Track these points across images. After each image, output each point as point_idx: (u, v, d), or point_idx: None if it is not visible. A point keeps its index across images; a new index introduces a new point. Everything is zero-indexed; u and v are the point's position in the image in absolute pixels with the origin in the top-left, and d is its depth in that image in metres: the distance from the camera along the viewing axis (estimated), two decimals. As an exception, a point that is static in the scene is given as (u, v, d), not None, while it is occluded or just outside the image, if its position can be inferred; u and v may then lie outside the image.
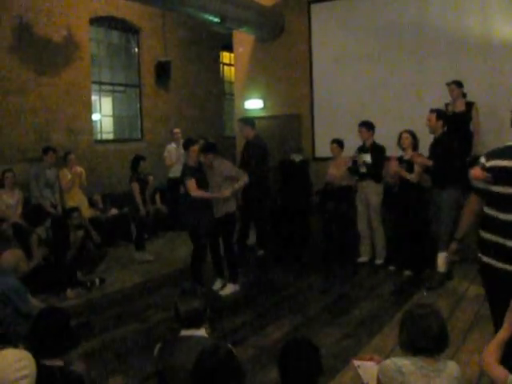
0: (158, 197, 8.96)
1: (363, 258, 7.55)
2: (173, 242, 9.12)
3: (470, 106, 7.27)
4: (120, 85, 11.24)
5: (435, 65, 8.17)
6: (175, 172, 8.81)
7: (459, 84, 7.28)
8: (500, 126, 7.56)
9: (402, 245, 6.89)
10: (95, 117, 10.59)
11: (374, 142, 7.32)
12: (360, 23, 8.89)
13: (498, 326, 2.80)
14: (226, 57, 14.24)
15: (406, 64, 8.46)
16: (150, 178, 8.25)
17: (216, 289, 6.53)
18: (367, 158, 7.21)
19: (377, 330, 5.03)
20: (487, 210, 3.35)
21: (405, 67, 8.49)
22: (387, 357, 2.96)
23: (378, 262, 7.37)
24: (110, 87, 11.07)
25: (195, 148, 6.28)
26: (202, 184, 6.21)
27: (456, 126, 6.85)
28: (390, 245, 7.32)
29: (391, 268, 7.06)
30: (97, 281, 6.73)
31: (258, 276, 7.35)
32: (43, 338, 2.66)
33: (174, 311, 2.98)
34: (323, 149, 8.65)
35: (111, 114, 11.22)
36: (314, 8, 9.42)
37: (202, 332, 2.92)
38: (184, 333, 2.93)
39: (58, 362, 2.66)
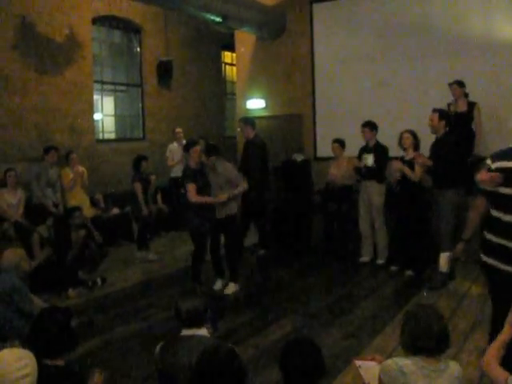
0: (159, 196, 8.95)
1: (364, 258, 7.55)
2: (174, 241, 9.13)
3: (472, 105, 7.27)
4: (122, 84, 11.25)
5: (437, 65, 8.16)
6: (177, 172, 8.81)
7: (461, 84, 7.28)
8: (502, 126, 7.58)
9: (403, 245, 6.88)
10: (97, 116, 10.60)
11: (377, 142, 7.31)
12: (362, 23, 8.89)
13: (497, 325, 2.80)
14: (227, 56, 14.24)
15: (408, 64, 8.46)
16: (152, 177, 8.25)
17: (217, 288, 6.53)
18: (370, 158, 7.21)
19: (378, 329, 5.03)
20: (492, 212, 3.36)
21: (406, 67, 8.48)
22: (389, 357, 2.96)
23: (380, 261, 7.37)
24: (111, 87, 11.08)
25: (197, 149, 6.28)
26: (204, 187, 6.22)
27: (458, 126, 6.84)
28: (391, 245, 7.31)
29: (393, 268, 7.05)
30: (98, 280, 6.74)
31: (260, 276, 7.35)
32: (44, 337, 2.67)
33: (174, 311, 2.98)
34: (325, 149, 8.64)
35: (113, 113, 11.22)
36: (316, 8, 9.42)
37: (203, 332, 2.92)
38: (185, 332, 2.93)
39: (59, 362, 2.66)
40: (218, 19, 8.35)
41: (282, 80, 9.80)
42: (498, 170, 3.27)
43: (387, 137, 7.22)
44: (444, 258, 6.27)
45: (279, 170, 8.85)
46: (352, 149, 7.69)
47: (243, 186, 6.43)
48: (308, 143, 9.55)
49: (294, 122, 9.69)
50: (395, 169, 6.73)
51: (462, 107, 7.29)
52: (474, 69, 7.83)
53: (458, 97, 7.31)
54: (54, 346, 2.67)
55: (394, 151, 7.13)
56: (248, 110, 10.10)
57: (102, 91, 10.80)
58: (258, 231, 8.30)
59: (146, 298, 6.41)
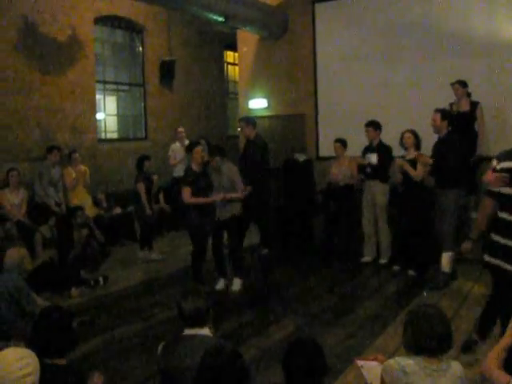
0: (161, 196, 8.96)
1: (367, 258, 7.55)
2: (176, 241, 9.13)
3: (474, 105, 7.26)
4: (124, 84, 11.26)
5: (439, 64, 8.14)
6: (179, 171, 8.81)
7: (464, 84, 7.27)
8: (505, 126, 7.57)
9: (406, 245, 6.88)
10: (99, 116, 10.60)
11: (380, 142, 7.31)
12: (364, 22, 8.88)
13: (504, 326, 2.81)
14: (230, 56, 14.24)
15: (410, 63, 8.44)
16: (155, 177, 8.26)
17: (219, 288, 6.54)
18: (373, 157, 7.21)
19: (380, 329, 5.03)
20: (499, 213, 3.38)
21: (409, 67, 8.46)
22: (391, 356, 2.95)
23: (382, 261, 7.36)
24: (114, 86, 11.09)
25: (198, 149, 6.30)
26: (206, 188, 6.23)
27: (460, 126, 6.82)
28: (394, 245, 7.31)
29: (395, 268, 7.04)
30: (101, 279, 6.75)
31: (262, 275, 7.35)
32: (45, 337, 2.67)
33: (177, 310, 2.98)
34: (327, 148, 8.64)
35: (115, 113, 11.24)
36: (319, 7, 9.41)
37: (205, 331, 2.92)
38: (187, 332, 2.93)
39: (61, 361, 2.66)
40: (221, 19, 8.35)
41: (284, 80, 9.80)
42: (503, 170, 3.29)
43: (389, 136, 7.22)
44: (446, 258, 6.27)
45: (281, 169, 8.85)
46: (354, 148, 7.69)
47: (241, 194, 6.44)
48: (310, 143, 9.54)
49: (296, 122, 9.68)
50: (397, 165, 6.74)
51: (465, 107, 7.28)
52: (477, 68, 7.82)
53: (460, 97, 7.31)
54: (54, 346, 2.67)
55: (396, 151, 7.16)
56: (250, 109, 10.09)
57: (105, 91, 10.81)
58: (260, 231, 8.30)
59: (148, 297, 6.42)
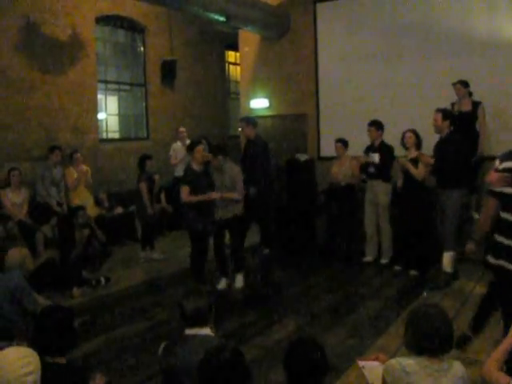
0: (163, 196, 8.96)
1: (368, 258, 7.55)
2: (178, 241, 9.13)
3: (476, 105, 7.25)
4: (126, 84, 11.25)
5: (441, 64, 8.13)
6: (180, 171, 8.79)
7: (465, 83, 7.26)
8: (506, 126, 7.56)
9: (407, 244, 6.88)
10: (101, 116, 10.60)
11: (382, 142, 7.31)
12: (366, 22, 8.87)
13: (507, 326, 2.82)
14: (231, 56, 14.24)
15: (412, 63, 8.43)
16: (156, 176, 8.26)
17: (221, 288, 6.54)
18: (376, 157, 7.21)
19: (382, 329, 5.03)
20: (501, 214, 3.38)
21: (410, 66, 8.46)
22: (392, 356, 2.95)
23: (384, 261, 7.37)
24: (115, 86, 11.09)
25: (200, 148, 6.30)
26: (208, 187, 6.24)
27: (462, 126, 6.82)
28: (395, 244, 7.31)
29: (397, 268, 7.05)
30: (102, 279, 6.75)
31: (263, 275, 7.35)
32: (46, 335, 2.67)
33: (179, 310, 2.98)
34: (328, 148, 8.64)
35: (117, 112, 11.24)
36: (320, 7, 9.40)
37: (206, 331, 2.92)
38: (188, 332, 2.93)
39: (61, 360, 2.67)
40: (222, 19, 8.35)
41: (285, 79, 9.79)
42: (505, 170, 3.30)
43: (390, 136, 7.22)
44: (448, 258, 6.27)
45: (283, 169, 8.85)
46: (356, 148, 7.69)
47: (238, 195, 6.44)
48: (312, 143, 9.53)
49: (297, 122, 9.68)
50: (400, 164, 6.75)
51: (466, 107, 7.28)
52: (478, 68, 7.81)
53: (461, 96, 7.30)
54: (55, 344, 2.67)
55: (397, 150, 7.17)
56: (252, 109, 10.09)
57: (106, 91, 10.81)
58: (261, 231, 8.30)
59: (150, 297, 6.43)
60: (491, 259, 3.57)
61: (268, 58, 9.96)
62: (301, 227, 8.39)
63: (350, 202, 7.67)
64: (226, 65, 14.16)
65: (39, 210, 7.83)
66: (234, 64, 14.14)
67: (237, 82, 13.28)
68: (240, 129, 8.66)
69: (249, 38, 10.06)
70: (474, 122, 7.25)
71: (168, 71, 11.34)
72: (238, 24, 9.04)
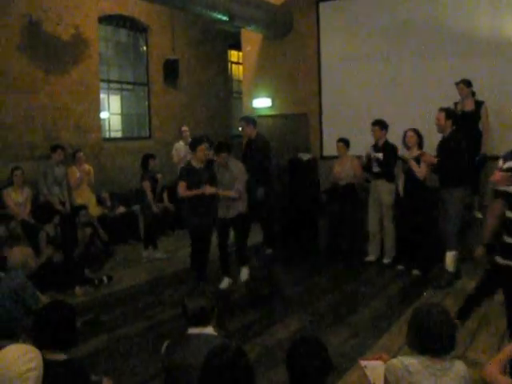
0: (165, 195, 8.97)
1: (371, 257, 7.54)
2: (180, 240, 9.13)
3: (479, 104, 7.24)
4: (128, 83, 11.26)
5: (444, 64, 8.13)
6: (183, 170, 8.81)
7: (468, 83, 7.25)
8: (509, 125, 7.55)
9: (410, 244, 6.87)
10: (104, 115, 10.62)
11: (386, 141, 7.30)
12: (368, 22, 8.86)
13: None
14: (234, 55, 14.23)
15: (415, 63, 8.43)
16: (159, 175, 8.27)
17: (223, 287, 6.54)
18: (380, 156, 7.21)
19: (384, 329, 5.03)
20: (507, 213, 3.38)
21: (413, 66, 8.45)
22: (395, 356, 2.95)
23: (386, 261, 7.36)
24: (118, 85, 11.09)
25: (203, 147, 6.31)
26: (203, 184, 6.23)
27: (465, 125, 6.82)
28: (398, 244, 7.30)
29: (399, 267, 7.04)
30: (105, 278, 6.75)
31: (266, 275, 7.35)
32: (46, 331, 2.67)
33: (182, 309, 2.98)
34: (331, 148, 8.63)
35: (119, 112, 11.24)
36: (323, 6, 9.41)
37: (209, 330, 2.93)
38: (191, 331, 2.93)
39: (62, 356, 2.67)
40: (225, 18, 8.36)
41: (288, 79, 9.79)
42: (509, 169, 3.30)
43: (394, 136, 7.22)
44: (450, 257, 6.27)
45: (285, 169, 8.84)
46: (358, 148, 7.69)
47: (236, 194, 6.40)
48: (314, 142, 9.54)
49: (300, 121, 9.68)
50: (404, 158, 6.74)
51: (469, 106, 7.27)
52: (481, 68, 7.80)
53: (464, 96, 7.29)
54: (55, 339, 2.66)
55: (400, 150, 7.14)
56: (254, 108, 10.09)
57: (109, 90, 10.82)
58: (263, 231, 8.31)
59: (153, 296, 6.43)
60: (499, 259, 3.57)
61: (271, 58, 9.96)
62: (303, 227, 8.39)
63: (351, 202, 7.67)
64: (229, 64, 14.15)
65: (42, 209, 7.83)
66: (237, 63, 14.14)
67: (239, 82, 13.28)
68: (240, 128, 8.66)
69: (251, 38, 10.07)
70: (476, 121, 7.24)
71: (171, 70, 11.34)
72: (241, 23, 9.04)
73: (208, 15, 8.39)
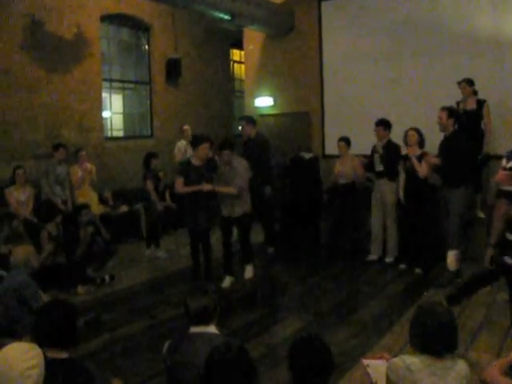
0: (167, 194, 8.97)
1: (373, 256, 7.54)
2: (182, 239, 9.12)
3: (481, 103, 7.23)
4: (130, 82, 11.27)
5: (446, 63, 8.13)
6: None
7: (470, 82, 7.24)
8: (511, 124, 7.54)
9: (412, 243, 6.87)
10: (105, 114, 10.63)
11: (389, 140, 7.29)
12: (370, 21, 8.87)
13: None
14: (236, 54, 14.23)
15: (417, 62, 8.43)
16: (161, 174, 8.28)
17: (225, 286, 6.55)
18: (381, 152, 7.20)
19: (386, 328, 5.02)
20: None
21: (415, 65, 8.46)
22: (397, 355, 2.95)
23: (388, 260, 7.36)
24: (120, 84, 11.11)
25: (204, 146, 6.30)
26: (201, 181, 6.23)
27: (467, 124, 6.82)
28: (400, 243, 7.30)
29: (401, 266, 7.04)
30: (107, 277, 6.76)
31: (267, 274, 7.35)
32: (48, 329, 2.67)
33: (184, 308, 2.98)
34: (333, 146, 8.60)
35: (121, 111, 11.25)
36: (324, 6, 9.41)
37: (212, 329, 2.93)
38: (193, 330, 2.93)
39: (63, 355, 2.67)
40: (227, 17, 8.36)
41: (290, 78, 9.80)
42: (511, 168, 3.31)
43: (395, 135, 7.21)
44: (452, 256, 6.26)
45: (287, 167, 8.84)
46: (360, 147, 7.68)
47: (234, 190, 6.35)
48: (316, 141, 9.54)
49: (302, 120, 9.68)
50: (408, 154, 6.74)
51: (471, 105, 7.26)
52: (483, 67, 7.80)
53: (467, 95, 7.28)
54: (56, 338, 2.66)
55: (402, 149, 7.13)
56: (256, 107, 10.10)
57: (111, 89, 10.83)
58: (265, 230, 8.31)
59: (155, 295, 6.44)
60: (508, 259, 3.57)
61: (273, 57, 9.96)
62: (305, 226, 8.39)
63: (351, 201, 7.66)
64: (231, 63, 14.15)
65: (44, 207, 7.84)
66: (239, 62, 14.14)
67: (241, 81, 13.28)
68: (240, 127, 8.67)
69: (253, 37, 10.07)
70: (479, 120, 7.23)
71: (173, 70, 11.35)
72: (243, 22, 9.05)
73: (210, 14, 8.39)
